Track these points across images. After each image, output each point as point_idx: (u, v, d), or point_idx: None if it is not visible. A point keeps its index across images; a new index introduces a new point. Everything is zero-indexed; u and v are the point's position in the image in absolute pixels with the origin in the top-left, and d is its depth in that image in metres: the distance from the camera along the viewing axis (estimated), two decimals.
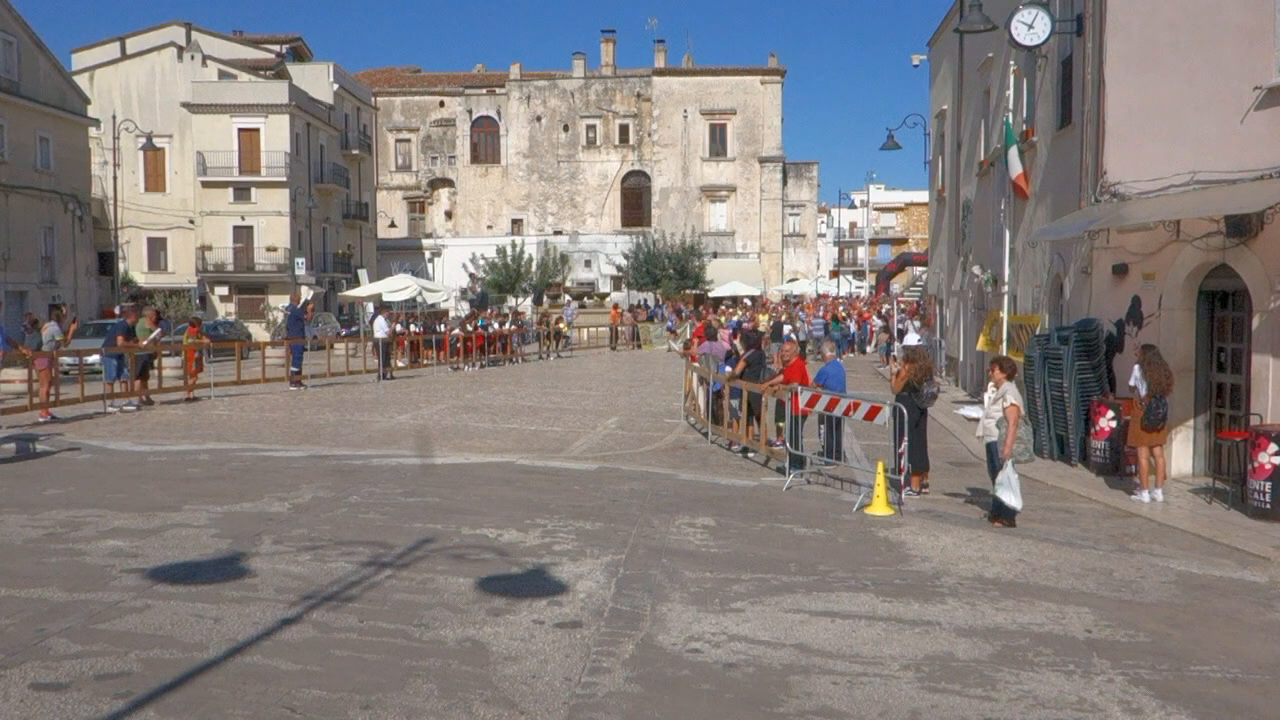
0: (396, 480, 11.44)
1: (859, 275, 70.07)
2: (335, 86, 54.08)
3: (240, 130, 47.39)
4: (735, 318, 36.17)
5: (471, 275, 57.36)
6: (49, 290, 38.11)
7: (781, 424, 13.31)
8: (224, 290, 48.48)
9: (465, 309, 46.67)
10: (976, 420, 10.94)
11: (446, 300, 42.18)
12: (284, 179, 47.32)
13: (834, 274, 72.28)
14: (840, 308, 43.76)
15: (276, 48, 55.54)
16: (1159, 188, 12.44)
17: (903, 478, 10.60)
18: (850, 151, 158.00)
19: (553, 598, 6.96)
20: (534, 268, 54.47)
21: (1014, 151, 16.14)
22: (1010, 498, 9.65)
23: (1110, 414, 12.72)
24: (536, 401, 20.81)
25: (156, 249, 49.19)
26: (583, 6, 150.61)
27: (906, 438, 10.56)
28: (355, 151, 56.55)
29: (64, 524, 8.89)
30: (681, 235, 57.03)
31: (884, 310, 40.33)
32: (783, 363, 13.53)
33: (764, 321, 35.21)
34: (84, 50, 51.27)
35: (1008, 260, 16.88)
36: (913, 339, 22.03)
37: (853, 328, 38.77)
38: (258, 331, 42.29)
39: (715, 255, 58.41)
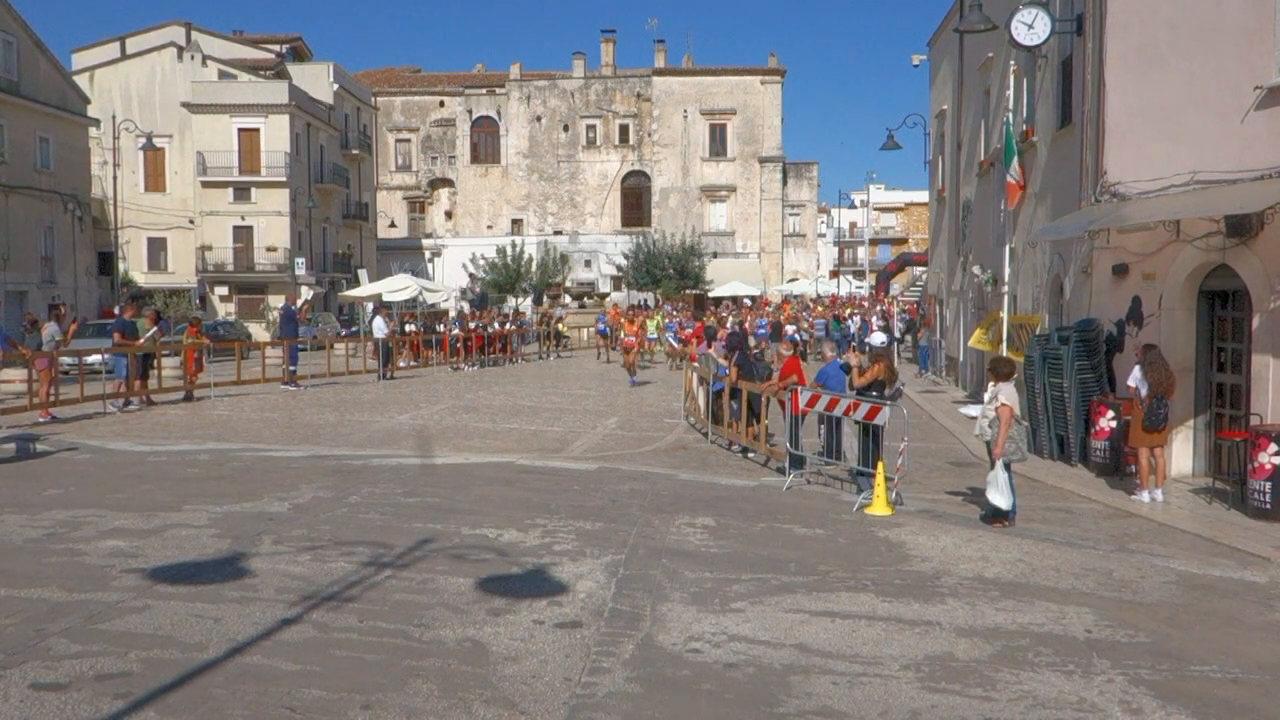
0: (396, 480, 11.44)
1: (859, 275, 70.00)
2: (335, 86, 54.06)
3: (240, 130, 47.36)
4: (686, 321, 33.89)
5: (471, 275, 57.35)
6: (49, 290, 38.10)
7: (765, 423, 13.38)
8: (224, 290, 48.45)
9: (465, 309, 46.57)
10: (976, 419, 10.95)
11: (446, 300, 42.10)
12: (284, 179, 47.30)
13: (834, 274, 72.21)
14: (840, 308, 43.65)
15: (276, 48, 55.51)
16: (1159, 188, 12.43)
17: (890, 475, 10.58)
18: (850, 151, 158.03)
19: (553, 598, 6.96)
20: (534, 268, 54.46)
21: (1013, 164, 16.17)
22: (997, 497, 9.66)
23: (1110, 414, 12.72)
24: (536, 401, 20.81)
25: (156, 249, 49.18)
26: (583, 6, 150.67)
27: (905, 438, 10.57)
28: (355, 151, 56.53)
29: (64, 524, 8.89)
30: (681, 235, 57.00)
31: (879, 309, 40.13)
32: (779, 361, 13.58)
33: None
34: (84, 50, 51.23)
35: (1008, 260, 16.88)
36: (879, 338, 21.89)
37: (853, 328, 38.73)
38: (258, 331, 42.29)
39: (715, 255, 58.36)
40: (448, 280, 57.00)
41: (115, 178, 43.17)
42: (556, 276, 54.33)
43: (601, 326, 34.67)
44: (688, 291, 53.53)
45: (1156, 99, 12.67)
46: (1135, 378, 11.35)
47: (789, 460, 12.00)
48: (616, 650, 5.97)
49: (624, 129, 61.82)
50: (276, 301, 45.47)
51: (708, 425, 15.51)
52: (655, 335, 32.91)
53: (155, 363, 20.14)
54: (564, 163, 62.26)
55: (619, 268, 58.61)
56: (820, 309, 42.01)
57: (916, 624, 6.63)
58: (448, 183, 63.61)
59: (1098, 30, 13.49)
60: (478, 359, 30.82)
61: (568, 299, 47.70)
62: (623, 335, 27.49)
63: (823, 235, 79.35)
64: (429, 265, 61.88)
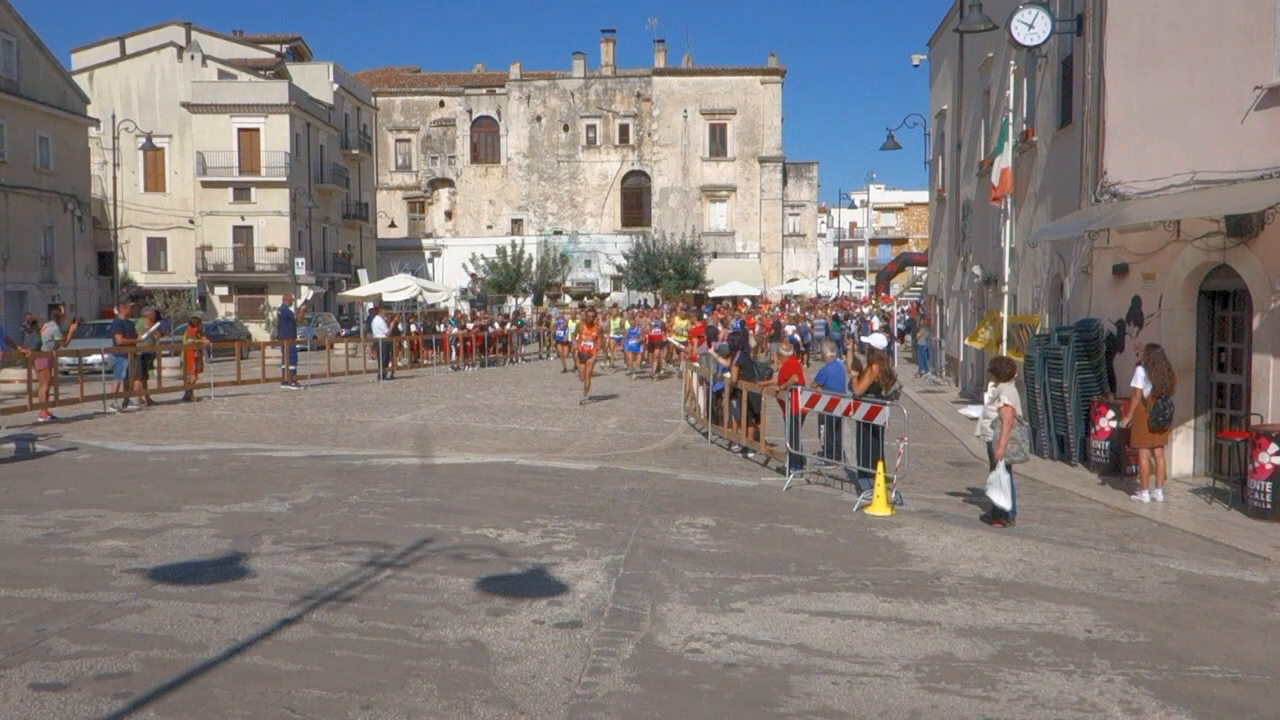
0: (396, 480, 11.43)
1: (859, 275, 70.01)
2: (335, 86, 54.06)
3: (240, 130, 47.37)
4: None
5: (472, 275, 57.36)
6: (49, 290, 38.10)
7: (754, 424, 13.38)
8: (224, 290, 48.46)
9: (465, 309, 46.57)
10: (976, 420, 10.94)
11: (446, 300, 42.10)
12: (284, 179, 47.30)
13: (834, 274, 72.17)
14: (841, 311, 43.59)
15: (276, 48, 55.53)
16: (1159, 188, 12.43)
17: (890, 475, 10.58)
18: (850, 151, 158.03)
19: (553, 598, 6.96)
20: (534, 268, 54.45)
21: (997, 162, 16.16)
22: (1000, 497, 9.66)
23: (1110, 414, 12.71)
24: (536, 401, 20.80)
25: (156, 249, 49.21)
26: (583, 6, 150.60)
27: (904, 438, 10.57)
28: (355, 151, 56.54)
29: (64, 524, 8.89)
30: (681, 235, 57.02)
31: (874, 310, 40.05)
32: (779, 361, 13.59)
33: (680, 325, 27.35)
34: (84, 50, 51.25)
35: (1008, 260, 16.88)
36: (879, 340, 21.75)
37: (853, 328, 38.72)
38: (258, 331, 42.30)
39: (715, 255, 58.42)
40: (448, 280, 57.01)
41: (115, 178, 43.18)
42: (556, 276, 54.32)
43: (560, 333, 30.35)
44: (688, 291, 53.55)
45: (1156, 99, 12.66)
46: (1139, 379, 11.31)
47: (789, 460, 12.00)
48: (616, 650, 5.97)
49: (624, 129, 61.84)
50: (276, 301, 45.55)
51: (708, 425, 15.51)
52: (619, 336, 29.81)
53: (155, 363, 20.14)
54: (564, 163, 62.27)
55: (619, 268, 58.63)
56: (804, 310, 41.83)
57: (916, 624, 6.62)
58: (448, 183, 63.63)
59: (1098, 30, 13.49)
60: (477, 359, 30.82)
61: (568, 299, 47.70)
62: (580, 340, 21.70)
63: (823, 235, 79.33)
64: (429, 265, 61.90)
